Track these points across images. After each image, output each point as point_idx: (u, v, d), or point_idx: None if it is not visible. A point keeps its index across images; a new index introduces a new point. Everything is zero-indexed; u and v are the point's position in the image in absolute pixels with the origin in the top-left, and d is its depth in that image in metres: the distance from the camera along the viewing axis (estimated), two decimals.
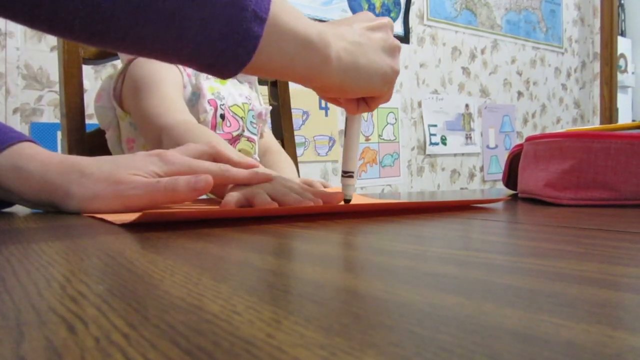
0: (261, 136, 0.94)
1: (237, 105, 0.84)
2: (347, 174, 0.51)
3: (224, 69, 0.37)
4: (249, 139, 0.86)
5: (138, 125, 0.75)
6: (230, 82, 0.86)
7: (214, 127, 0.79)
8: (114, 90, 0.79)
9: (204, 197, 0.64)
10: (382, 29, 0.47)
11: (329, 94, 0.47)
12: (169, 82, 0.74)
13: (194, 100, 0.79)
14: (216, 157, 0.50)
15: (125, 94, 0.77)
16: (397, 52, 0.48)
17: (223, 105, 0.81)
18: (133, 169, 0.44)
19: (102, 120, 0.81)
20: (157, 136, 0.67)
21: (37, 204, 0.46)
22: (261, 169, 0.50)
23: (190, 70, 0.80)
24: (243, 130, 0.84)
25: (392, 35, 0.48)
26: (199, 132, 0.64)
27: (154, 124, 0.67)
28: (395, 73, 0.48)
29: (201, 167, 0.46)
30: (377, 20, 0.47)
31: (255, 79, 0.95)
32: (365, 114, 2.15)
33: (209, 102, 0.78)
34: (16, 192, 0.45)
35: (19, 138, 0.47)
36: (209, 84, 0.81)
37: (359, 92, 0.46)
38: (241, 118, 0.84)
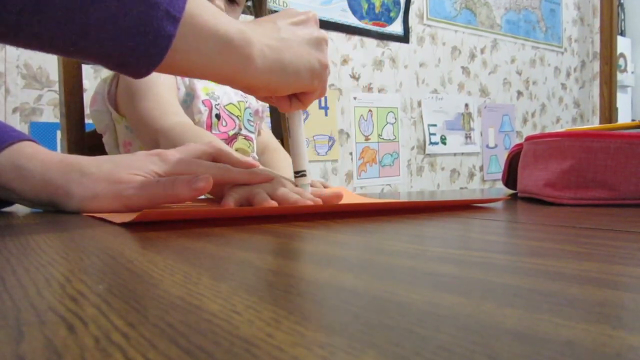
0: (259, 134, 0.94)
1: (233, 104, 0.84)
2: (299, 174, 0.49)
3: (135, 69, 0.36)
4: (246, 137, 0.86)
5: (134, 129, 0.75)
6: None
7: (209, 127, 0.79)
8: (109, 94, 0.79)
9: (203, 197, 0.64)
10: (307, 23, 0.47)
11: (259, 93, 0.46)
12: (162, 84, 0.74)
13: (188, 102, 0.78)
14: (216, 157, 0.50)
15: (119, 98, 0.77)
16: (324, 45, 0.47)
17: (218, 105, 0.81)
18: (133, 169, 0.44)
19: (98, 124, 0.81)
20: (153, 139, 0.67)
21: (37, 203, 0.46)
22: (261, 169, 0.50)
23: None
24: (240, 129, 0.84)
25: (317, 28, 0.47)
26: (195, 134, 0.64)
27: (150, 127, 0.67)
28: (324, 66, 0.47)
29: (201, 167, 0.46)
30: (301, 15, 0.47)
31: None
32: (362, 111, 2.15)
33: (203, 102, 0.78)
34: (16, 191, 0.45)
35: (19, 137, 0.47)
36: (203, 84, 0.81)
37: (288, 88, 0.45)
38: (237, 117, 0.84)
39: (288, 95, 0.48)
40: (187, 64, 0.38)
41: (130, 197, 0.42)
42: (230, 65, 0.40)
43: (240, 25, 0.41)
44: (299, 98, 0.48)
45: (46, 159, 0.45)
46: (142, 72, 0.36)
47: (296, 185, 0.48)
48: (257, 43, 0.41)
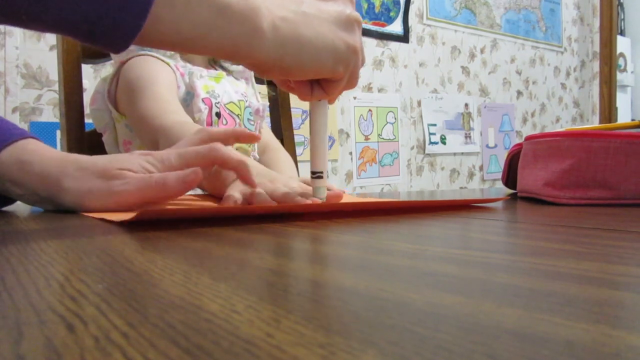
0: (259, 133, 0.94)
1: (233, 103, 0.84)
2: (315, 175, 0.44)
3: (108, 40, 0.31)
4: None
5: (134, 128, 0.75)
6: (226, 79, 0.86)
7: (209, 126, 0.79)
8: (109, 93, 0.79)
9: (203, 193, 0.64)
10: (338, 0, 0.41)
11: (270, 74, 0.40)
12: (162, 82, 0.74)
13: (188, 100, 0.79)
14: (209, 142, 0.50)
15: (119, 97, 0.77)
16: (355, 27, 0.41)
17: (218, 103, 0.81)
18: (127, 165, 0.45)
19: (98, 123, 0.81)
20: (153, 138, 0.67)
21: (36, 199, 0.46)
22: (243, 132, 0.52)
23: (183, 70, 0.80)
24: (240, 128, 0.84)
25: (351, 7, 0.42)
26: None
27: (150, 126, 0.67)
28: (352, 50, 0.41)
29: (190, 152, 0.46)
30: None
31: (251, 75, 0.95)
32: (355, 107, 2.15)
33: (203, 100, 0.78)
34: (18, 185, 0.45)
35: (23, 135, 0.47)
36: (203, 82, 0.81)
37: (305, 71, 0.40)
38: (237, 115, 0.84)
39: (310, 82, 0.43)
40: (175, 35, 0.33)
41: (122, 193, 0.42)
42: (230, 37, 0.35)
43: None
44: (322, 86, 0.43)
45: (47, 154, 0.46)
46: (117, 43, 0.31)
47: (313, 188, 0.46)
48: (267, 13, 0.36)
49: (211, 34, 0.34)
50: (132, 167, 0.44)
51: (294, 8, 0.38)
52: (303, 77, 0.41)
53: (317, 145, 0.44)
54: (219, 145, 0.46)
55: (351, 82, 0.44)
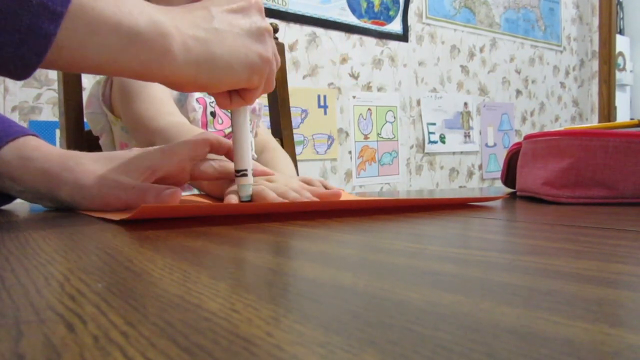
0: (256, 134, 0.94)
1: None
2: (240, 173, 0.46)
3: (9, 71, 0.31)
4: None
5: (129, 130, 0.75)
6: None
7: (204, 126, 0.79)
8: (103, 96, 0.79)
9: (204, 194, 0.64)
10: (247, 11, 0.42)
11: (185, 89, 0.41)
12: (156, 84, 0.74)
13: (182, 100, 0.78)
14: (213, 148, 0.51)
15: (114, 99, 0.77)
16: (266, 36, 0.42)
17: (213, 102, 0.80)
18: (125, 169, 0.45)
19: (95, 126, 0.81)
20: (149, 140, 0.67)
21: (36, 195, 0.46)
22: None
23: None
24: None
25: (260, 17, 0.43)
26: (192, 134, 0.64)
27: (145, 128, 0.67)
28: (265, 61, 0.42)
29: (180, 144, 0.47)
30: (241, 2, 0.42)
31: None
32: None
33: (197, 100, 0.78)
34: (18, 181, 0.46)
35: (24, 132, 0.48)
36: None
37: (221, 86, 0.41)
38: None
39: (228, 92, 0.44)
40: (83, 62, 0.34)
41: (110, 196, 0.44)
42: (140, 60, 0.35)
43: (155, 15, 0.36)
44: (240, 94, 0.44)
45: (48, 151, 0.47)
46: (17, 74, 0.32)
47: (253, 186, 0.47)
48: (178, 35, 0.37)
49: (120, 59, 0.35)
50: (131, 172, 0.46)
51: (206, 25, 0.39)
52: (219, 91, 0.43)
53: (239, 145, 0.47)
54: (209, 133, 0.48)
55: (267, 88, 0.45)
